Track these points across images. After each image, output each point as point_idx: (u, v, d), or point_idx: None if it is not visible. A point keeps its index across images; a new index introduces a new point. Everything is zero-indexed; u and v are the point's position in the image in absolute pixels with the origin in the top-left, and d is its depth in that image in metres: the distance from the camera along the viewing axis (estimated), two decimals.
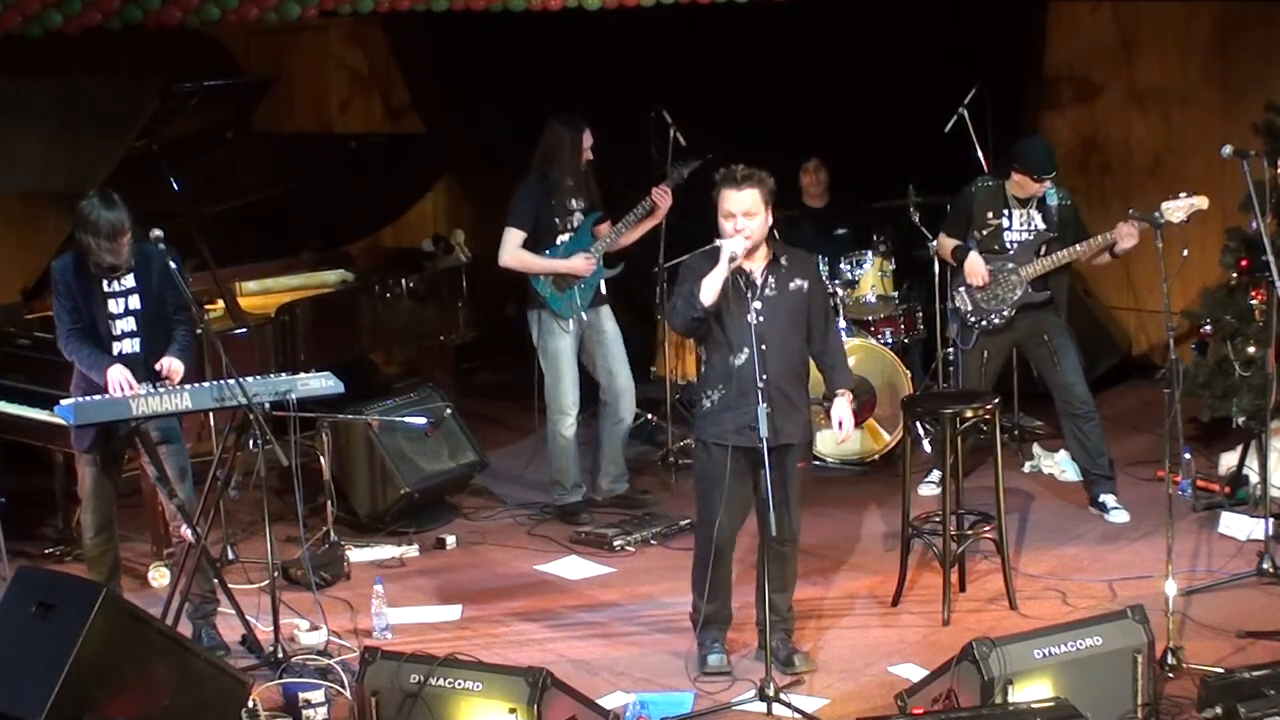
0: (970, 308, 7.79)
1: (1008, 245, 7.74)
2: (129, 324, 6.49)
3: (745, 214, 6.04)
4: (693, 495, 6.56)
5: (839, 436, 6.32)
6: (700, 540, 6.35)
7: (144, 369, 6.45)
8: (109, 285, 6.45)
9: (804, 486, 6.32)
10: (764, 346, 6.02)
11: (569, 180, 7.92)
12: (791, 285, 6.13)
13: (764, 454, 5.82)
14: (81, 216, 6.33)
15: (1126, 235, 7.44)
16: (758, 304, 6.07)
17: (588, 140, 7.93)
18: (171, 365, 6.46)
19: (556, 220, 7.95)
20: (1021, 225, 7.72)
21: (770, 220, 6.13)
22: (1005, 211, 7.74)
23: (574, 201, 7.99)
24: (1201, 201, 7.22)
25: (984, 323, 7.79)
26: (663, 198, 7.99)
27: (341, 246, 9.30)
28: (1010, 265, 7.70)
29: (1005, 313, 7.75)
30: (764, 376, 5.95)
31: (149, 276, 6.48)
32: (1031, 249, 7.71)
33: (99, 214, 6.27)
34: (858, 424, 8.76)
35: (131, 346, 6.49)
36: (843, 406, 6.26)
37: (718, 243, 6.07)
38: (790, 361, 6.13)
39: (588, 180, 8.03)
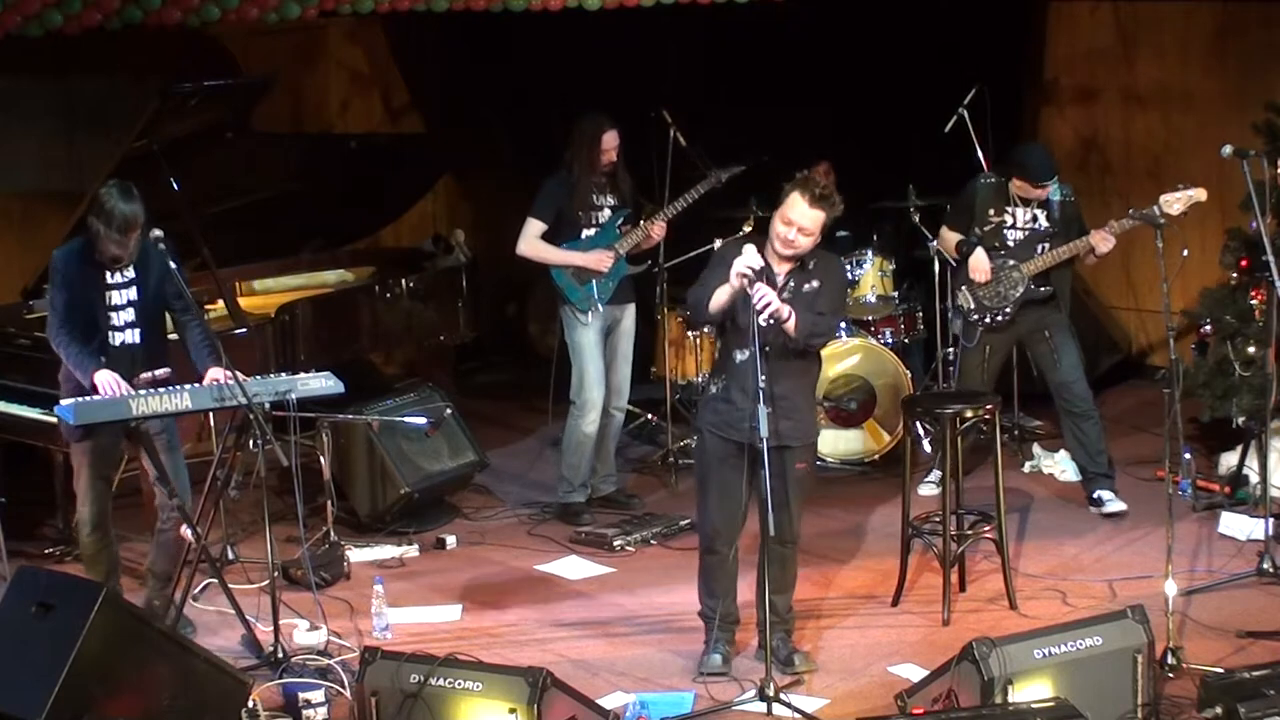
0: (973, 305, 7.80)
1: (1009, 242, 7.76)
2: (130, 315, 6.50)
3: (803, 230, 5.96)
4: (693, 495, 6.56)
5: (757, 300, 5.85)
6: (700, 535, 6.38)
7: (142, 360, 6.48)
8: (112, 276, 6.46)
9: (806, 488, 6.29)
10: (768, 349, 5.95)
11: (591, 176, 7.94)
12: (805, 288, 6.05)
13: (764, 454, 5.77)
14: (98, 204, 6.32)
15: (1101, 241, 7.56)
16: None
17: (610, 141, 7.90)
18: (214, 377, 6.42)
19: (580, 215, 7.97)
20: (1025, 223, 7.74)
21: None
22: (1008, 209, 7.76)
23: (601, 197, 8.01)
24: (1199, 194, 7.26)
25: (988, 319, 7.80)
26: (657, 231, 8.02)
27: (341, 246, 9.30)
28: (1011, 262, 7.72)
29: (1008, 310, 7.76)
30: (763, 377, 5.84)
31: (148, 270, 6.49)
32: (1032, 245, 7.72)
33: (115, 205, 6.27)
34: (858, 424, 8.77)
35: (132, 337, 6.50)
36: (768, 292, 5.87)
37: (744, 233, 5.93)
38: (792, 364, 6.07)
39: (617, 178, 8.04)
